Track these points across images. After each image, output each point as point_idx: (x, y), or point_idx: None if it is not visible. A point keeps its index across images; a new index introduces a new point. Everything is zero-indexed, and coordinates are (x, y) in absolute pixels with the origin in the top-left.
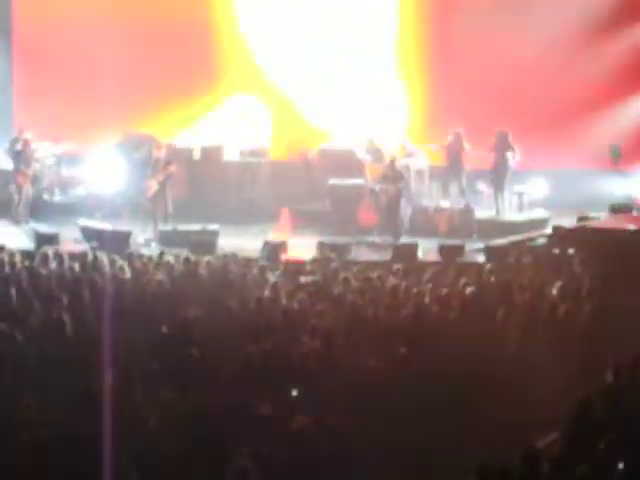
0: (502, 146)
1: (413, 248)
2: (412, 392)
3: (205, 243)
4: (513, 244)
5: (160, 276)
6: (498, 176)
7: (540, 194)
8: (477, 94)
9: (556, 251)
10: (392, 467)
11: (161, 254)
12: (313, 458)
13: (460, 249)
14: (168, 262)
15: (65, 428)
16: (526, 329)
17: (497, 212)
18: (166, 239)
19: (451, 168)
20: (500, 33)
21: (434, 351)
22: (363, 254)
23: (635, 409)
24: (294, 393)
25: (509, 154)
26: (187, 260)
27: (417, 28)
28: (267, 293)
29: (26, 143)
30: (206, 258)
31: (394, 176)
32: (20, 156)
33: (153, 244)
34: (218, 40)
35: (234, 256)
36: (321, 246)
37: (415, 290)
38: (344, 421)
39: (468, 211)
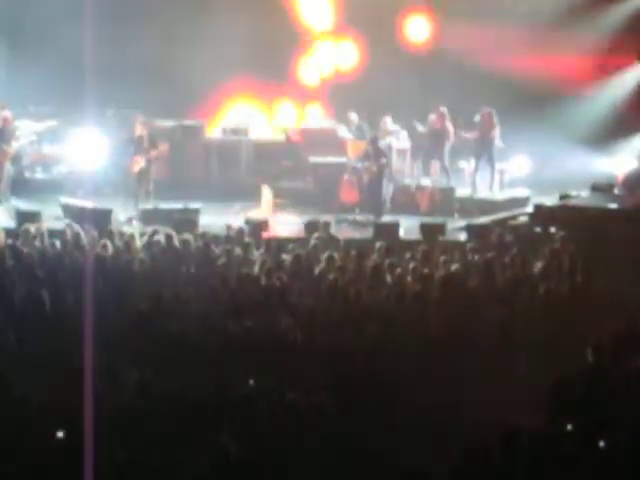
0: (487, 124)
1: (395, 226)
2: (393, 370)
3: (186, 221)
4: (495, 223)
5: (141, 254)
6: (483, 154)
7: (521, 172)
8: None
9: (537, 230)
10: (375, 444)
11: (152, 233)
12: (298, 434)
13: (441, 227)
14: (149, 240)
15: (48, 405)
16: (507, 307)
17: (474, 190)
18: (147, 217)
19: (433, 147)
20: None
21: (415, 329)
22: (345, 232)
23: (615, 388)
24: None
25: (494, 132)
26: (169, 238)
27: None
28: (248, 271)
29: (7, 120)
30: (187, 236)
31: (376, 154)
32: (1, 134)
33: (135, 222)
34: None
35: (214, 236)
36: (304, 224)
37: (397, 269)
38: (327, 398)
39: (449, 189)
